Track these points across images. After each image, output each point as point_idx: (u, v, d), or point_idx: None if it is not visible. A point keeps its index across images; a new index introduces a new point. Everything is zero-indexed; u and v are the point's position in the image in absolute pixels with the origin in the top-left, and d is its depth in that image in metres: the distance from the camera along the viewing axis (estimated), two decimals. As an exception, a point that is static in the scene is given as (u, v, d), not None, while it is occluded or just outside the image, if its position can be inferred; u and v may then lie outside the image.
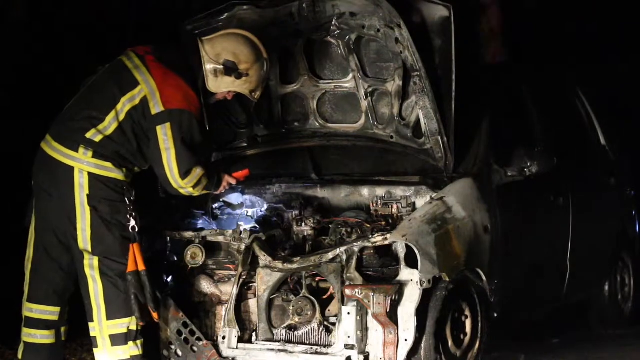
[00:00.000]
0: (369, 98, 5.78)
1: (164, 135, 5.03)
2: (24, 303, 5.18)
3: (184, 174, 5.07)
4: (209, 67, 5.19)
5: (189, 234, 5.49)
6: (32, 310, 5.15)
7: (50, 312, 5.15)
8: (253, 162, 6.16)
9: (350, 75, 5.79)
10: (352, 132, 5.97)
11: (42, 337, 5.15)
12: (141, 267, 5.01)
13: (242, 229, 5.38)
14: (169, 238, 5.55)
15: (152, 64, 5.13)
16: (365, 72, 5.73)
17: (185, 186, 5.11)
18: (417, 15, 5.37)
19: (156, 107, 5.04)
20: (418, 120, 5.54)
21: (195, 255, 5.39)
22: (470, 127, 5.75)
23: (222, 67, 5.19)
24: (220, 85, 5.24)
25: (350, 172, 6.05)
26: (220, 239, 5.43)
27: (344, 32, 5.59)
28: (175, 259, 5.51)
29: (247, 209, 5.99)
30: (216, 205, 6.02)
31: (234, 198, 6.05)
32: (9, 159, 6.97)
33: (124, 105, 5.05)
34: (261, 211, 5.91)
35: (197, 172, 5.11)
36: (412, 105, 5.54)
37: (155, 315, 5.05)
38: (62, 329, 5.23)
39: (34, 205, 5.17)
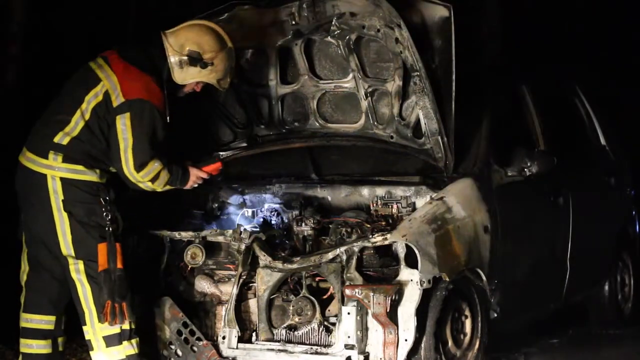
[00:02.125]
0: (369, 98, 5.78)
1: (123, 125, 5.01)
2: (21, 314, 5.19)
3: (139, 167, 5.03)
4: (173, 59, 5.17)
5: (189, 234, 5.49)
6: (28, 320, 5.16)
7: (46, 322, 5.15)
8: (253, 162, 6.16)
9: (350, 75, 5.78)
10: (352, 132, 5.96)
11: (39, 347, 5.15)
12: (104, 266, 4.97)
13: (242, 229, 5.37)
14: (168, 238, 5.54)
15: (114, 62, 5.14)
16: (365, 72, 5.73)
17: (142, 180, 5.07)
18: (417, 15, 5.37)
19: (117, 99, 5.04)
20: (418, 120, 5.54)
21: (195, 255, 5.39)
22: (470, 127, 5.75)
23: (186, 57, 5.16)
24: (186, 77, 5.22)
25: (350, 172, 6.04)
26: (220, 239, 5.43)
27: (344, 32, 5.59)
28: (175, 259, 5.51)
29: (247, 209, 5.99)
30: (216, 205, 6.02)
31: (234, 198, 6.04)
32: (6, 164, 6.96)
33: (89, 104, 5.06)
34: (261, 211, 5.91)
35: (155, 166, 5.07)
36: (412, 105, 5.53)
37: (111, 317, 4.98)
38: (60, 339, 5.23)
39: (22, 218, 5.19)
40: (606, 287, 7.21)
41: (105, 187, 5.08)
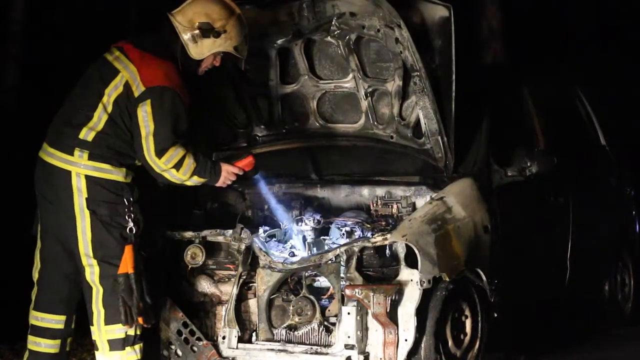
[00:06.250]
0: (369, 98, 5.78)
1: (144, 112, 4.98)
2: (31, 311, 5.16)
3: (160, 153, 4.97)
4: (186, 36, 5.13)
5: (189, 234, 5.49)
6: (38, 318, 5.13)
7: (56, 321, 5.12)
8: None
9: (350, 75, 5.78)
10: (352, 132, 5.97)
11: (46, 346, 5.13)
12: (131, 270, 4.95)
13: (242, 228, 5.37)
14: (168, 238, 5.53)
15: (130, 51, 5.11)
16: (365, 72, 5.73)
17: (165, 167, 5.00)
18: (417, 15, 5.37)
19: (138, 89, 5.02)
20: (418, 120, 5.54)
21: (195, 255, 5.39)
22: (470, 127, 5.75)
23: (198, 30, 5.12)
24: (203, 50, 5.17)
25: (350, 172, 6.05)
26: (220, 239, 5.43)
27: (344, 32, 5.59)
28: (175, 259, 5.50)
29: (247, 209, 5.99)
30: (216, 205, 6.02)
31: (234, 198, 6.04)
32: (13, 163, 6.96)
33: (110, 97, 5.03)
34: (261, 211, 5.90)
35: (177, 151, 5.00)
36: (412, 105, 5.54)
37: (140, 320, 4.97)
38: (68, 339, 5.20)
39: (39, 215, 5.17)
40: (606, 287, 7.21)
41: (130, 187, 5.05)
